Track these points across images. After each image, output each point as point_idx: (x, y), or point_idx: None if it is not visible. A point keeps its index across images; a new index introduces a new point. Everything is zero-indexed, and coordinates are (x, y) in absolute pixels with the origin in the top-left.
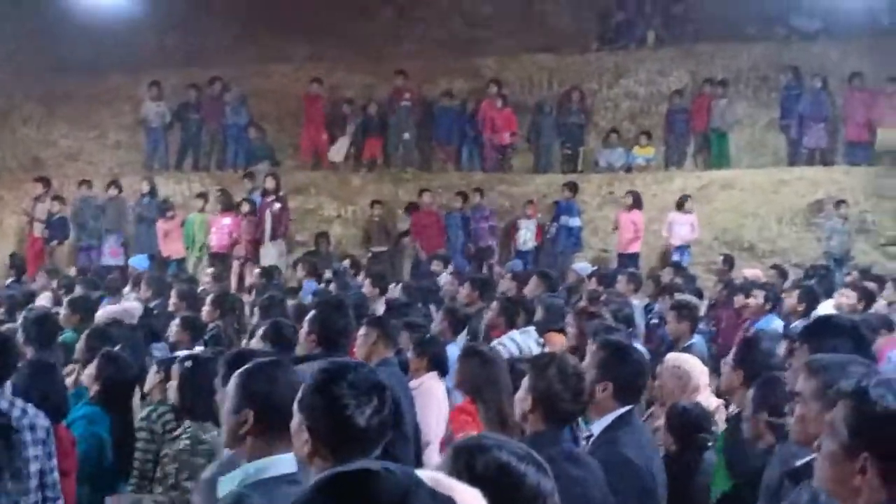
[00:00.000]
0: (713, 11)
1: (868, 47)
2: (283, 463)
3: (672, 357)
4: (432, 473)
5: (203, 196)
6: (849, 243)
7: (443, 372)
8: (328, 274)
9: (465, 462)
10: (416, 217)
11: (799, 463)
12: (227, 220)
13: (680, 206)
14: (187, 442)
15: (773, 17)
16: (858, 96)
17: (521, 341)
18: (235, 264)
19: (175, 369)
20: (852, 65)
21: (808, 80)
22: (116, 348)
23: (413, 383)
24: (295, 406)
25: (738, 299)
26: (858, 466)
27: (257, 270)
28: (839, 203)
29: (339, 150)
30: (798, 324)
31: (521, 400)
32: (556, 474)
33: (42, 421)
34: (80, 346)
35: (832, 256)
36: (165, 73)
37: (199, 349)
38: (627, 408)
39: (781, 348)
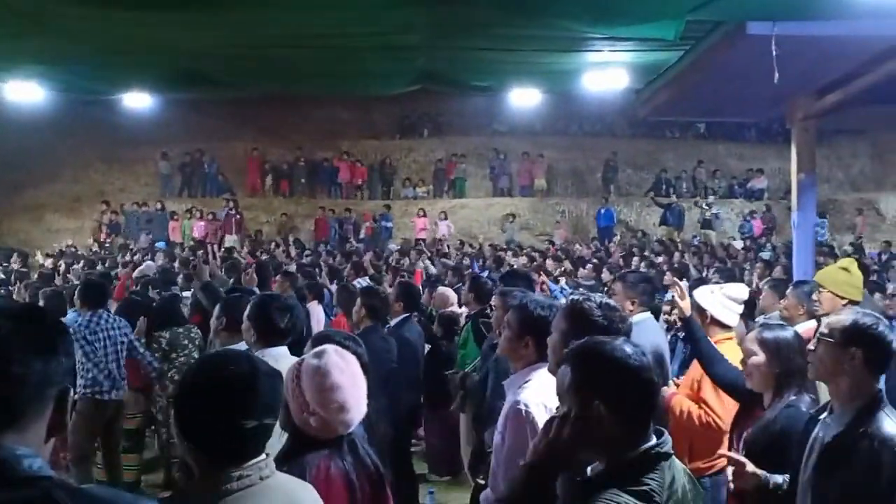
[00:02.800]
0: (457, 119)
1: (531, 139)
2: (241, 346)
3: (440, 288)
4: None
5: (190, 211)
6: (518, 235)
7: (322, 300)
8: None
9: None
10: (317, 221)
11: (495, 342)
12: (201, 224)
13: (442, 217)
14: (169, 334)
15: (485, 123)
16: (525, 164)
17: (364, 283)
18: (208, 247)
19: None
20: (523, 147)
21: (501, 155)
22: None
23: (308, 306)
24: (245, 315)
25: (466, 261)
26: (523, 343)
27: (222, 249)
28: (513, 216)
29: (267, 187)
30: (501, 271)
31: (357, 311)
32: (375, 346)
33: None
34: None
35: (510, 240)
36: (171, 146)
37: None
38: (408, 314)
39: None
